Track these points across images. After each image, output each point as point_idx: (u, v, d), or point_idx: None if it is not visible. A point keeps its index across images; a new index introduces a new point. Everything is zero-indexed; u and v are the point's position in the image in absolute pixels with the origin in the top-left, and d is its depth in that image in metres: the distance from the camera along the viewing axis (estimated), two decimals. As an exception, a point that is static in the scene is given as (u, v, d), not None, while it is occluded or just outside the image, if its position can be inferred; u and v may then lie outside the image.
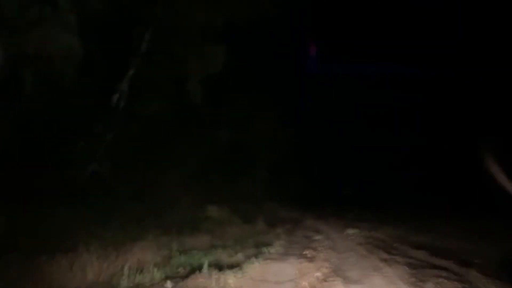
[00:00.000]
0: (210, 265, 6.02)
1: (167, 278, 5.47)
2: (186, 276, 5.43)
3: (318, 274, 5.42)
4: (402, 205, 22.29)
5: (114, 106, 10.41)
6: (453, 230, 10.82)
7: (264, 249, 7.44)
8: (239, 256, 7.06)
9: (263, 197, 19.88)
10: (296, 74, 24.91)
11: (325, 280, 5.13)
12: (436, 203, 21.94)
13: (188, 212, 11.70)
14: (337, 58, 25.06)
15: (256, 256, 6.94)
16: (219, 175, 17.29)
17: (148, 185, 11.77)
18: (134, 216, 9.89)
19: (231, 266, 5.99)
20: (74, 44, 6.85)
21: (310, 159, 28.32)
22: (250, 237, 10.33)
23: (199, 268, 5.73)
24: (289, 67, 23.12)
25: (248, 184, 19.68)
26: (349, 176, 30.05)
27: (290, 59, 22.98)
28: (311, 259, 6.53)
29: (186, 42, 10.28)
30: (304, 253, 7.36)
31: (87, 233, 7.76)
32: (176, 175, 13.60)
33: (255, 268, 5.83)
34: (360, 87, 27.55)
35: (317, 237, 10.06)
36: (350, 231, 10.93)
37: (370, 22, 24.63)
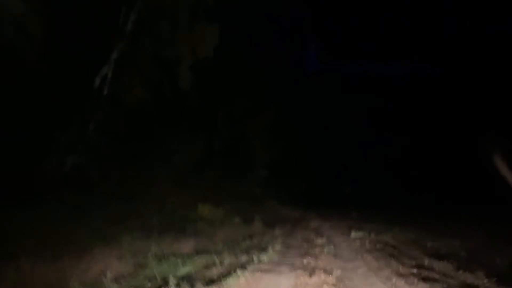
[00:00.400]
0: (184, 278, 4.72)
1: (125, 296, 4.17)
2: (149, 294, 4.13)
3: (319, 294, 4.09)
4: (406, 205, 21.01)
5: (96, 92, 9.14)
6: (471, 233, 9.42)
7: (255, 257, 6.08)
8: (225, 265, 5.74)
9: (263, 195, 18.51)
10: (296, 72, 23.79)
11: (327, 304, 3.81)
12: (441, 203, 20.66)
13: (178, 211, 10.39)
14: (337, 56, 23.95)
15: (244, 265, 5.62)
16: (215, 172, 15.99)
17: (135, 182, 10.49)
18: (116, 215, 8.62)
19: (211, 281, 4.68)
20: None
21: (310, 157, 26.97)
22: (244, 240, 9.01)
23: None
24: (289, 64, 21.93)
25: (247, 182, 18.34)
26: (350, 174, 29.02)
27: (290, 56, 21.84)
28: (310, 271, 5.18)
29: (175, 22, 8.95)
30: (303, 262, 6.02)
31: (50, 235, 6.52)
32: (167, 172, 12.31)
33: (240, 284, 4.50)
34: (361, 87, 26.60)
35: (319, 240, 8.70)
36: (355, 234, 9.55)
37: (369, 21, 23.53)
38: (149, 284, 4.60)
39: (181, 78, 9.67)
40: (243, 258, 6.40)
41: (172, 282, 4.22)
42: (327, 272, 5.17)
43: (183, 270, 5.34)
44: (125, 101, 9.64)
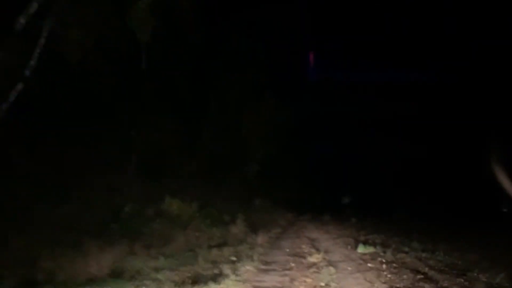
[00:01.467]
0: None
1: None
2: None
3: None
4: (408, 213, 18.01)
5: (19, 38, 6.22)
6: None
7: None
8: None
9: (253, 193, 15.51)
10: (296, 73, 21.33)
11: None
12: (446, 213, 17.84)
13: (130, 206, 7.43)
14: (337, 65, 21.74)
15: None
16: (199, 164, 13.07)
17: (76, 167, 7.55)
18: (23, 207, 5.72)
19: None
20: None
21: (309, 157, 24.15)
22: (209, 250, 6.14)
23: None
24: (288, 67, 19.47)
25: (236, 177, 15.37)
26: (349, 178, 26.49)
27: (290, 60, 19.41)
28: None
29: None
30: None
31: None
32: (131, 158, 9.40)
33: None
34: (360, 96, 24.49)
35: (313, 257, 5.75)
36: (363, 248, 6.58)
37: (369, 28, 21.52)
38: None
39: (138, 23, 6.70)
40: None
41: None
42: None
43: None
44: (65, 53, 6.73)
